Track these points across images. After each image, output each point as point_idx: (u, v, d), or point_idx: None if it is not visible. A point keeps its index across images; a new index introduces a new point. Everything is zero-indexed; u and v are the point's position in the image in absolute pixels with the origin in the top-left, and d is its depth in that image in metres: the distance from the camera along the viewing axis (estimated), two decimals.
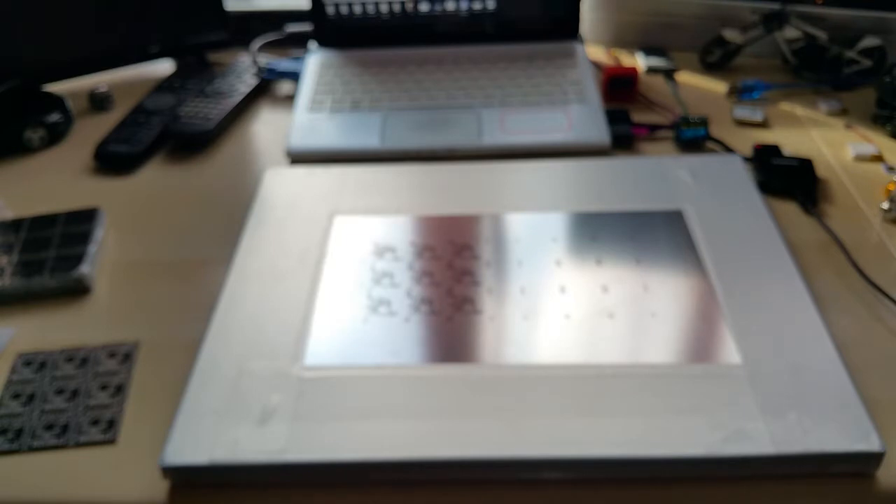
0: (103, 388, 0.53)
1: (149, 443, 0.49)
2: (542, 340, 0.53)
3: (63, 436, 0.50)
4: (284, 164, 0.77)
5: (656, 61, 0.91)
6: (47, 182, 0.76)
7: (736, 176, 0.68)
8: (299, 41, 0.91)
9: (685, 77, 0.88)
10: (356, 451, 0.46)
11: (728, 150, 0.75)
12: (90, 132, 0.82)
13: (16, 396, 0.53)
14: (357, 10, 0.86)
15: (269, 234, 0.63)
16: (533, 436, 0.47)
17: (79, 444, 0.50)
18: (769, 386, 0.49)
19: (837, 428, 0.46)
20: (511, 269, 0.59)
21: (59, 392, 0.53)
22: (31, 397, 0.53)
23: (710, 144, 0.76)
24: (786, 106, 0.83)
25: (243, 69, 0.89)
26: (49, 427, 0.51)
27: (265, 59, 0.90)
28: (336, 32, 0.88)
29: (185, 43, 0.91)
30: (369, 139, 0.77)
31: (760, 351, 0.51)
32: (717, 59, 0.89)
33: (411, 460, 0.46)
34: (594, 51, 0.93)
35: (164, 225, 0.69)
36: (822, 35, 0.85)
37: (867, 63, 0.84)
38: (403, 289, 0.58)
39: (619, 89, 0.84)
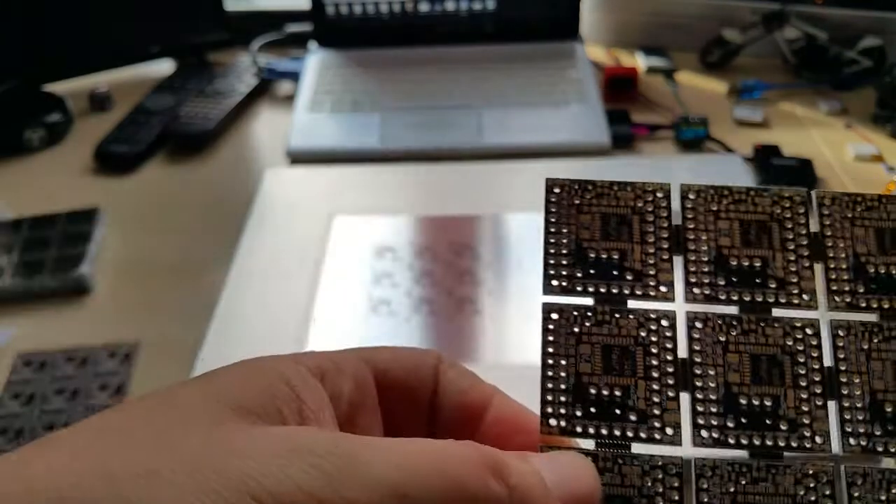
0: (103, 388, 0.53)
1: None
2: None
3: None
4: (284, 164, 0.77)
5: (656, 61, 0.91)
6: (47, 182, 0.76)
7: (736, 176, 0.68)
8: (299, 41, 0.91)
9: (685, 77, 0.88)
10: None
11: (728, 150, 0.75)
12: (90, 132, 0.82)
13: (16, 396, 0.53)
14: (357, 10, 0.86)
15: (269, 234, 0.63)
16: None
17: None
18: None
19: None
20: (511, 269, 0.59)
21: (59, 392, 0.53)
22: (31, 397, 0.53)
23: (710, 144, 0.76)
24: (786, 106, 0.83)
25: (243, 69, 0.89)
26: (49, 427, 0.51)
27: (265, 59, 0.90)
28: (336, 32, 0.88)
29: (185, 43, 0.91)
30: (369, 139, 0.76)
31: None
32: (717, 59, 0.89)
33: None
34: (594, 51, 0.93)
35: (164, 225, 0.69)
36: (822, 35, 0.85)
37: (867, 63, 0.84)
38: (403, 289, 0.58)
39: (619, 89, 0.84)
